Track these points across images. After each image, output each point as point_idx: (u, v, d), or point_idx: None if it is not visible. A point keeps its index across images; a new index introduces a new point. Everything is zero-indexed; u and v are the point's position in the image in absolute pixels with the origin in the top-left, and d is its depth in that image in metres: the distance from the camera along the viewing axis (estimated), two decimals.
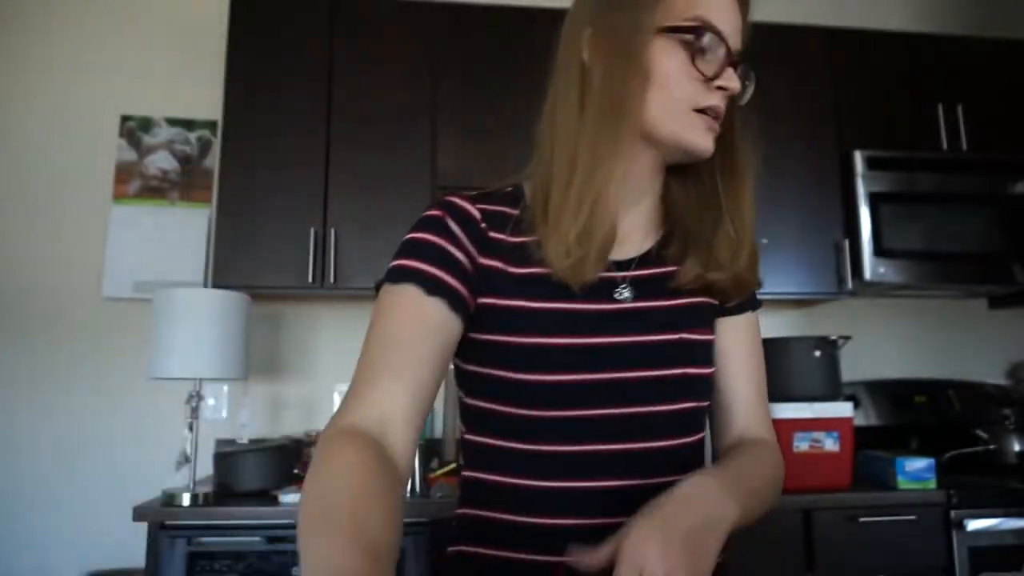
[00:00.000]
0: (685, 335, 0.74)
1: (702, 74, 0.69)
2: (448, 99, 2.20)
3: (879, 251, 2.25)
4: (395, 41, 2.23)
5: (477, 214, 0.73)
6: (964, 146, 2.40)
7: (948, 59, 2.47)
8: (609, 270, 0.73)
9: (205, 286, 2.28)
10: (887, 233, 2.26)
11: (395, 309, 0.68)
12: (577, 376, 0.69)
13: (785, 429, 1.87)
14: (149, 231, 2.34)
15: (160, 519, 1.71)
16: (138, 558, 1.73)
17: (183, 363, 1.82)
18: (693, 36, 0.69)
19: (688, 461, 0.74)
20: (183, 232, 2.36)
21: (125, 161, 2.38)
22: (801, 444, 1.91)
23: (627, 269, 0.76)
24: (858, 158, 2.28)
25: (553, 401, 0.69)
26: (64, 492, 2.21)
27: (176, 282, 2.27)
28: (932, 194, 2.30)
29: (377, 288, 0.71)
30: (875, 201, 2.27)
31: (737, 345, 0.81)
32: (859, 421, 2.31)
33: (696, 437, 0.75)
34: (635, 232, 0.77)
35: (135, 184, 2.37)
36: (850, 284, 2.27)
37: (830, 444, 1.92)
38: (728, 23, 0.70)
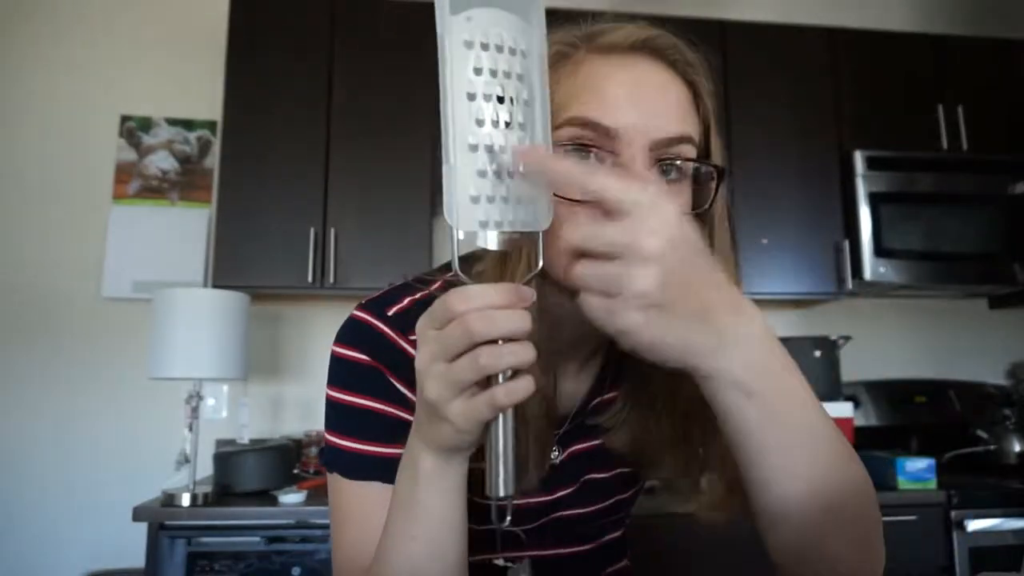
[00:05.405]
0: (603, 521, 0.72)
1: (570, 200, 0.50)
2: None
3: (879, 251, 2.25)
4: (395, 41, 2.22)
5: (411, 350, 0.57)
6: (964, 146, 2.39)
7: (948, 59, 2.47)
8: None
9: (205, 286, 2.28)
10: (887, 233, 2.26)
11: (368, 516, 0.58)
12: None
13: None
14: (149, 231, 2.34)
15: (160, 519, 1.71)
16: (138, 558, 1.72)
17: (183, 363, 1.82)
18: (568, 145, 0.54)
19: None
20: (183, 232, 2.36)
21: (125, 161, 2.38)
22: None
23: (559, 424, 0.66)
24: (858, 158, 2.28)
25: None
26: (64, 492, 2.21)
27: (176, 282, 2.27)
28: (932, 194, 2.30)
29: (322, 457, 0.62)
30: (875, 201, 2.27)
31: None
32: (859, 421, 2.31)
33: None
34: (564, 379, 0.65)
35: (135, 184, 2.37)
36: (850, 284, 2.26)
37: None
38: (630, 113, 0.53)
